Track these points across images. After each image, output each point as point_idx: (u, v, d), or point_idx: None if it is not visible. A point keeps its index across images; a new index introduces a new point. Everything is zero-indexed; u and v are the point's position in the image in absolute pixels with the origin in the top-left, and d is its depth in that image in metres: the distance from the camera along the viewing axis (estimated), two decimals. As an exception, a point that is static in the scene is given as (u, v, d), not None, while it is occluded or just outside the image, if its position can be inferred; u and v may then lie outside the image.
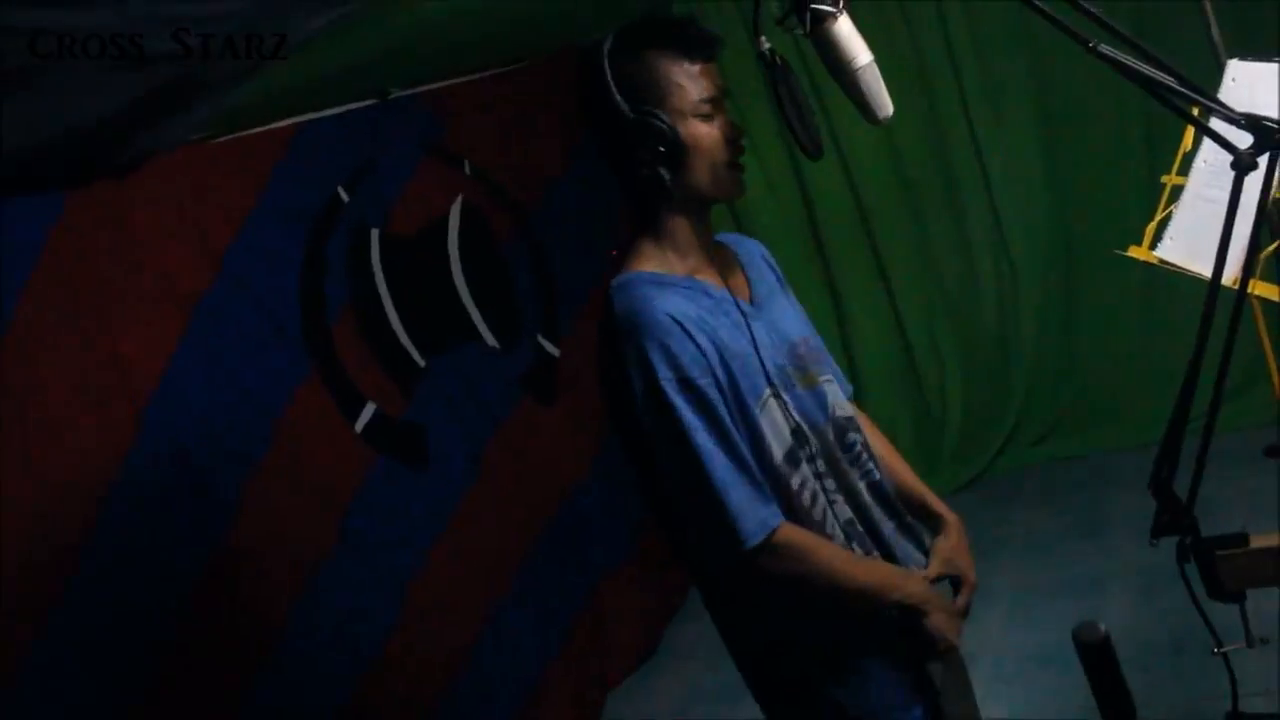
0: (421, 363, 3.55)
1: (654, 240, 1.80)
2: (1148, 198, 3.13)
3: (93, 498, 2.57)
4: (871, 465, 1.89)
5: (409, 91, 3.66)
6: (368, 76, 3.29)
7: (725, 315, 1.75)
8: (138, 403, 2.69)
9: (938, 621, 1.78)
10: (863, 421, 1.98)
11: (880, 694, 1.79)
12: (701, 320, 1.71)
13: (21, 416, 2.45)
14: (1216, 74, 2.65)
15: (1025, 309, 4.79)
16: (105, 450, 2.61)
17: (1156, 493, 1.63)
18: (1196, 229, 2.64)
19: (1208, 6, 2.99)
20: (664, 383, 1.67)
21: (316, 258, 3.26)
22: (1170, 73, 1.49)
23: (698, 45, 1.75)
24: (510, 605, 3.69)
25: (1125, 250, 2.90)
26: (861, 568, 1.78)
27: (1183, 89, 1.50)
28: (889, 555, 1.84)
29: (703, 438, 1.67)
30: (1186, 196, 2.70)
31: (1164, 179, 2.85)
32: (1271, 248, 2.52)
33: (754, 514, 1.68)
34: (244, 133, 3.05)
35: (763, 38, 1.65)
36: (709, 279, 1.79)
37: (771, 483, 1.72)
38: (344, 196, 3.38)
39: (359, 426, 3.29)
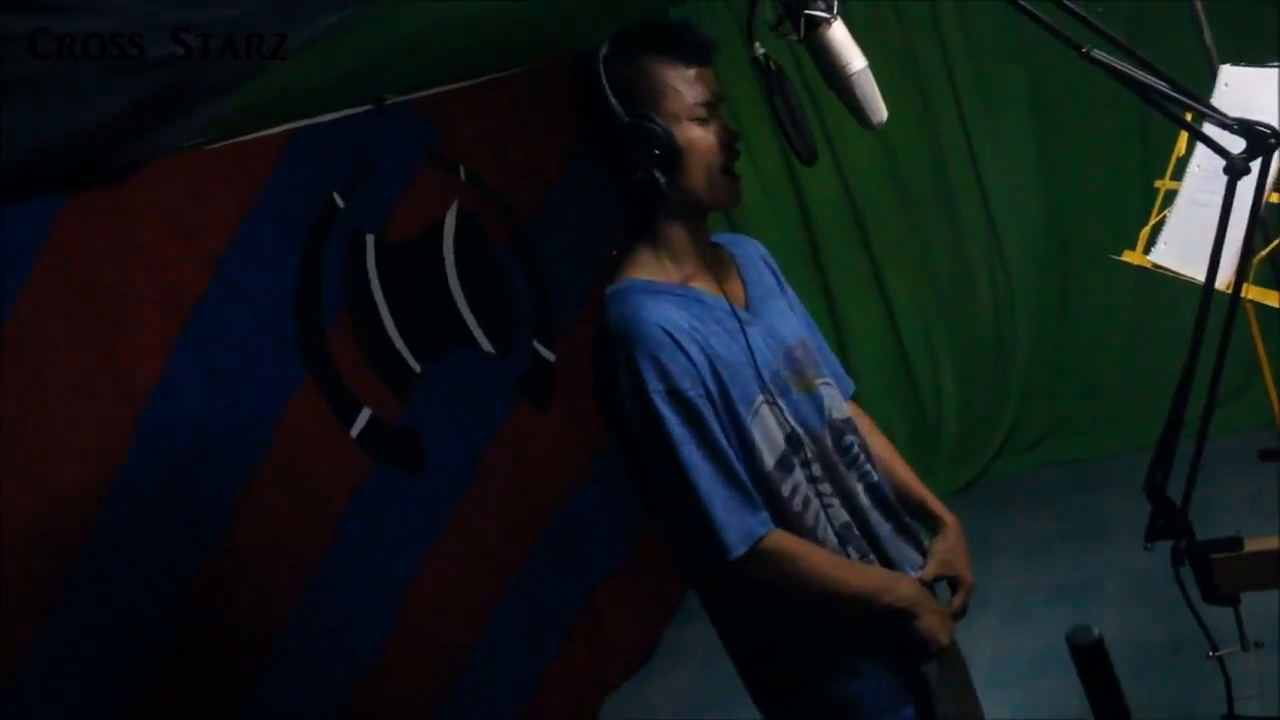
0: (417, 368, 3.55)
1: (649, 246, 1.80)
2: (1143, 202, 3.15)
3: (92, 498, 2.57)
4: (869, 467, 1.89)
5: (404, 97, 3.66)
6: (364, 82, 3.29)
7: (718, 323, 1.76)
8: (134, 405, 2.69)
9: (929, 623, 1.78)
10: (863, 423, 1.99)
11: (874, 695, 1.80)
12: (693, 330, 1.72)
13: (20, 418, 2.45)
14: (1209, 79, 2.66)
15: (1020, 313, 4.79)
16: (102, 452, 2.62)
17: (1151, 496, 1.63)
18: (1190, 233, 2.65)
19: (1200, 11, 3.00)
20: (653, 394, 1.67)
21: (312, 263, 3.26)
22: (1163, 78, 1.50)
23: (693, 49, 1.75)
24: (508, 608, 3.69)
25: (1120, 255, 2.91)
26: (852, 572, 1.78)
27: (1175, 94, 1.50)
28: (884, 558, 1.84)
29: (690, 449, 1.68)
30: (1180, 201, 2.72)
31: (1158, 184, 2.86)
32: (1265, 252, 2.53)
33: (740, 524, 1.69)
34: (240, 138, 3.05)
35: (757, 43, 1.66)
36: (704, 285, 1.80)
37: (763, 490, 1.73)
38: (339, 202, 3.38)
39: (354, 432, 3.29)
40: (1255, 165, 1.48)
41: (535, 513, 3.92)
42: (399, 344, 3.52)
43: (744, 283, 1.90)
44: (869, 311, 4.95)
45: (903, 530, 1.91)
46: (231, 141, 3.02)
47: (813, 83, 4.04)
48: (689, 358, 1.69)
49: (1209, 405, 1.59)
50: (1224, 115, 1.50)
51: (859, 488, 1.85)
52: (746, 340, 1.76)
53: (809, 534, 1.76)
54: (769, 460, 1.75)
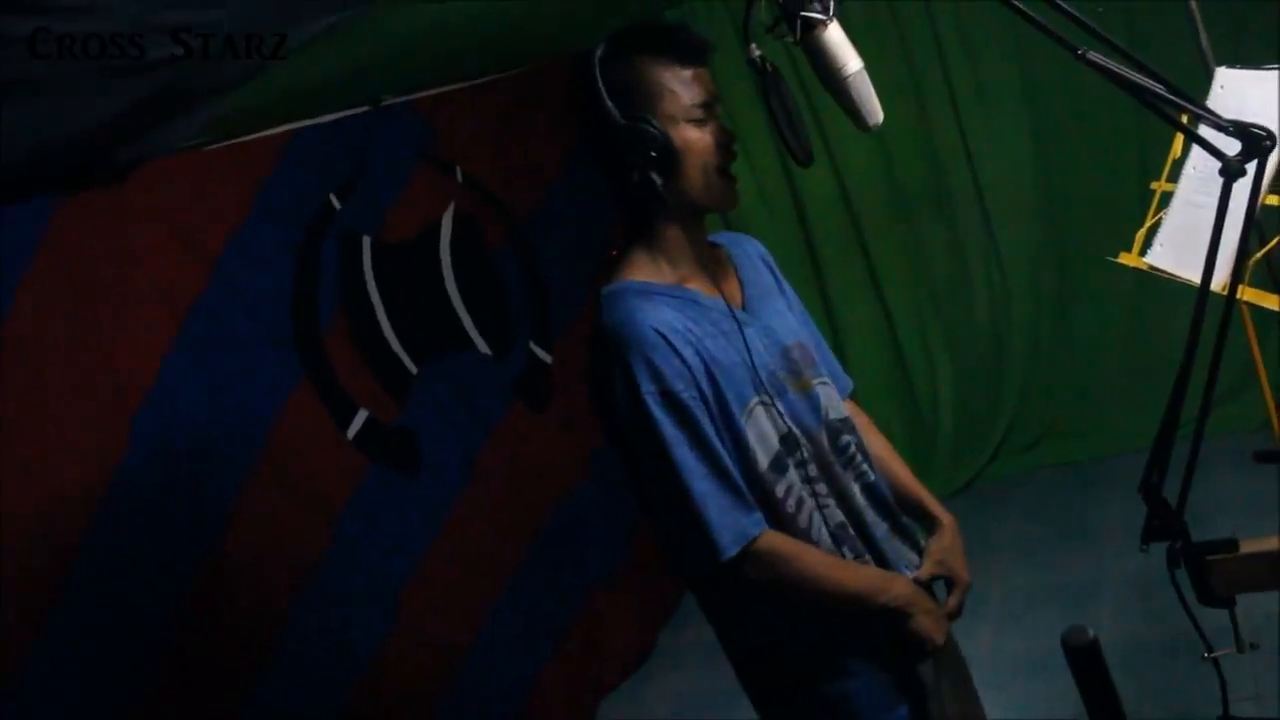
0: (413, 369, 3.55)
1: (646, 248, 1.80)
2: (1139, 204, 3.15)
3: (91, 498, 2.58)
4: (866, 466, 1.90)
5: (401, 99, 3.66)
6: (362, 83, 3.29)
7: (714, 324, 1.76)
8: (131, 406, 2.69)
9: (924, 623, 1.79)
10: (861, 422, 1.99)
11: (868, 694, 1.80)
12: (688, 331, 1.72)
13: (17, 418, 2.46)
14: (1205, 81, 2.67)
15: (1017, 314, 4.79)
16: (100, 452, 2.62)
17: (1147, 498, 1.64)
18: (1186, 235, 2.65)
19: (1196, 14, 3.01)
20: (646, 396, 1.68)
21: (309, 264, 3.26)
22: (1159, 80, 1.50)
23: (689, 51, 1.75)
24: (505, 609, 3.70)
25: (1116, 256, 2.92)
26: (846, 572, 1.79)
27: (1171, 96, 1.50)
28: (880, 558, 1.85)
29: (683, 451, 1.68)
30: (1176, 203, 2.72)
31: (1154, 185, 2.86)
32: (1260, 254, 2.53)
33: (732, 525, 1.69)
34: (237, 140, 3.05)
35: (753, 45, 1.66)
36: (700, 287, 1.80)
37: (756, 491, 1.74)
38: (336, 204, 3.38)
39: (351, 433, 3.30)
40: (1251, 167, 1.49)
41: (532, 514, 3.92)
42: (395, 345, 3.52)
43: (741, 283, 1.90)
44: (865, 313, 4.95)
45: (899, 530, 1.92)
46: (230, 142, 3.02)
47: (809, 84, 4.04)
48: (682, 359, 1.69)
49: (1205, 407, 1.60)
50: (1220, 117, 1.51)
51: (855, 488, 1.86)
52: (744, 341, 1.76)
53: (802, 535, 1.77)
54: (763, 461, 1.75)
